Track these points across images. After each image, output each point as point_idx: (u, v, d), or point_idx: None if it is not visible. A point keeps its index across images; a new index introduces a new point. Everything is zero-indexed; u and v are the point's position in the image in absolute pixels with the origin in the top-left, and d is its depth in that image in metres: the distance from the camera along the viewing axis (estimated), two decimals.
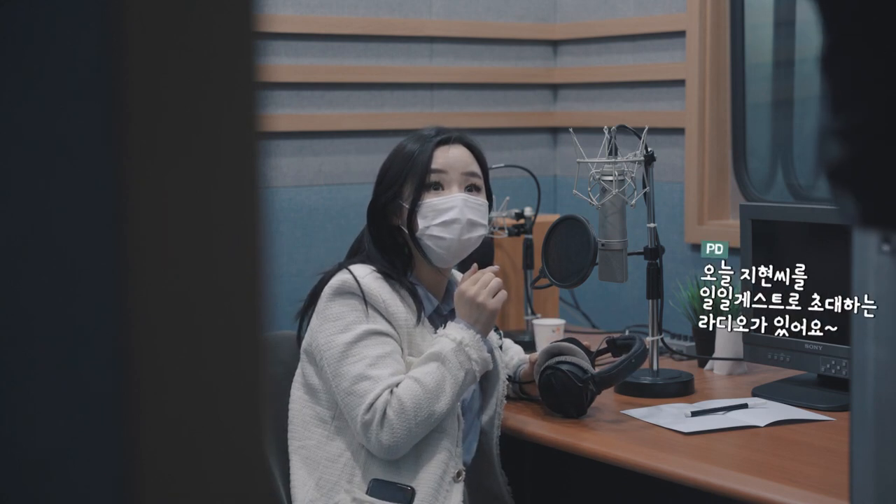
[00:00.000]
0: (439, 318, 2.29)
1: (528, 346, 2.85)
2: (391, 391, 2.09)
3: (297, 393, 2.24)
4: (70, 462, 0.52)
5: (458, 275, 2.44)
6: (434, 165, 2.24)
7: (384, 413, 2.07)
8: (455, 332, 2.16)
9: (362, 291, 2.15)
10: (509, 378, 2.47)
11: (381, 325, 2.14)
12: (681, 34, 3.30)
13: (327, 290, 2.17)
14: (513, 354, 2.55)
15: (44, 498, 0.53)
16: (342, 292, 2.16)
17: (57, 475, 0.52)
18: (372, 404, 2.08)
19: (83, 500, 0.52)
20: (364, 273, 2.18)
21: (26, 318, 0.53)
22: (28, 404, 0.53)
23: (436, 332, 2.21)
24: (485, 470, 2.34)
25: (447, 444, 2.15)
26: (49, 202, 0.52)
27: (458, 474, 2.16)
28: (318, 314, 2.18)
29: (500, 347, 2.43)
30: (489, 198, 2.34)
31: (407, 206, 2.23)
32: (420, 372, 2.12)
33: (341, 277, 2.17)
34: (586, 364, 2.33)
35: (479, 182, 2.29)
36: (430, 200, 2.23)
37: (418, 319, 2.19)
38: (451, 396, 2.12)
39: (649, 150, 2.54)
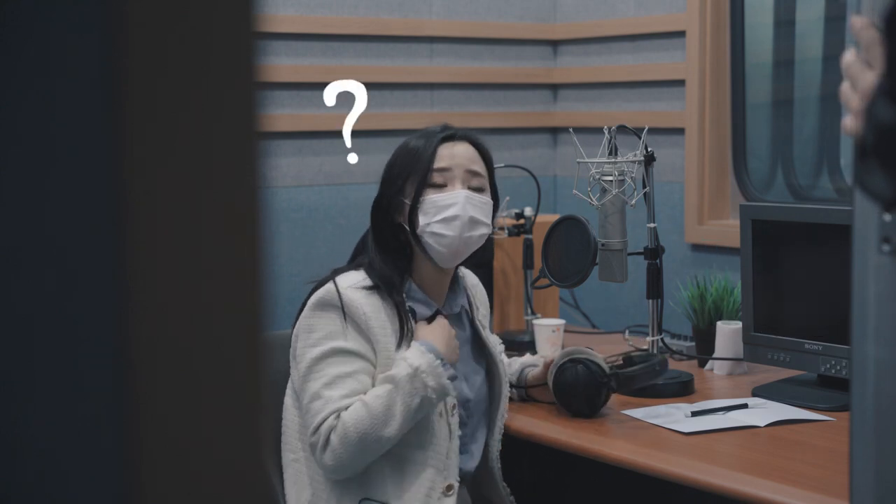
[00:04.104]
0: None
1: (529, 346, 2.85)
2: (338, 415, 2.05)
3: (288, 401, 2.21)
4: (70, 463, 0.52)
5: (468, 273, 2.41)
6: (437, 163, 2.20)
7: (328, 438, 2.05)
8: (414, 358, 2.08)
9: (342, 304, 2.11)
10: (512, 385, 2.45)
11: (353, 343, 2.10)
12: (681, 34, 3.30)
13: (311, 300, 2.15)
14: (513, 360, 2.52)
15: (44, 498, 0.53)
16: (322, 305, 2.12)
17: (57, 476, 0.52)
18: (318, 427, 2.05)
19: (83, 502, 0.52)
20: (351, 283, 2.14)
21: (26, 318, 0.53)
22: (28, 404, 0.53)
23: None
24: (486, 480, 2.32)
25: (433, 461, 2.12)
26: (49, 202, 0.52)
27: (449, 488, 2.13)
28: (299, 323, 2.16)
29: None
30: (495, 198, 2.29)
31: (409, 203, 2.20)
32: (371, 395, 2.06)
33: (325, 288, 2.14)
34: (606, 367, 2.33)
35: (484, 181, 2.24)
36: (432, 197, 2.19)
37: (398, 344, 2.13)
38: (402, 422, 2.06)
39: (649, 150, 2.54)
